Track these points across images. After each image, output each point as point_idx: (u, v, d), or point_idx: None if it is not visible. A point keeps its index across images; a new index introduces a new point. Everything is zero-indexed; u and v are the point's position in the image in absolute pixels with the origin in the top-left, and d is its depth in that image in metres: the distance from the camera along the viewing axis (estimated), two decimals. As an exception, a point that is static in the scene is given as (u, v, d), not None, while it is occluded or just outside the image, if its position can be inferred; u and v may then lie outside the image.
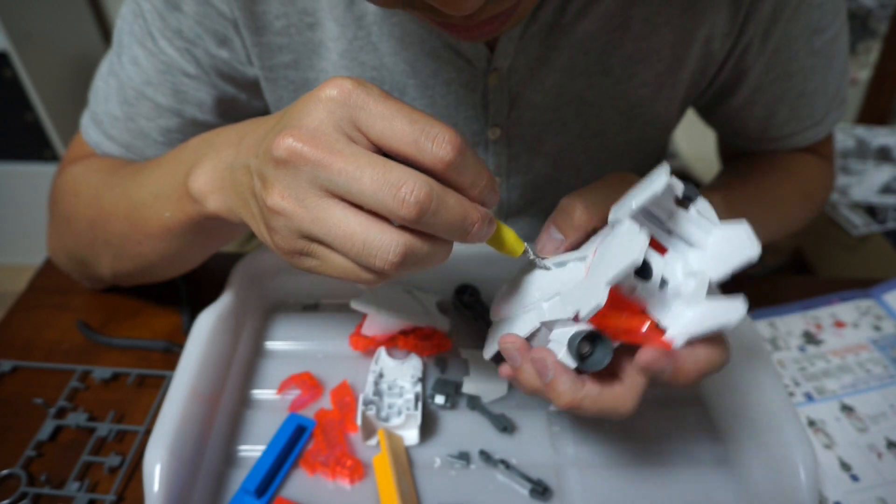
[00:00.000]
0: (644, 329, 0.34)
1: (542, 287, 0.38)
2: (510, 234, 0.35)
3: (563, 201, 0.40)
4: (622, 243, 0.33)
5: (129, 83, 0.53)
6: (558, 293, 0.36)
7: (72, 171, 0.56)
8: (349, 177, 0.29)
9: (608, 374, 0.36)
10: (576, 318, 0.35)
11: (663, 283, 0.34)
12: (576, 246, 0.39)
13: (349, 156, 0.29)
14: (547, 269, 0.38)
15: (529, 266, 0.40)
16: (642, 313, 0.35)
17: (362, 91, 0.30)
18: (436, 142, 0.29)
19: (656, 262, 0.34)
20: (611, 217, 0.36)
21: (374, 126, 0.30)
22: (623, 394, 0.35)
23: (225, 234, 0.49)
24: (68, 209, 0.54)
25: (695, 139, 1.25)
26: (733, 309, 0.32)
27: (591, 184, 0.40)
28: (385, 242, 0.29)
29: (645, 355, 0.33)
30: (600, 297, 0.32)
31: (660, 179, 0.32)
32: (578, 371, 0.35)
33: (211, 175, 0.39)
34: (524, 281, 0.39)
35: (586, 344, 0.34)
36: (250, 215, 0.36)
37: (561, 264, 0.38)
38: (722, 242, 0.35)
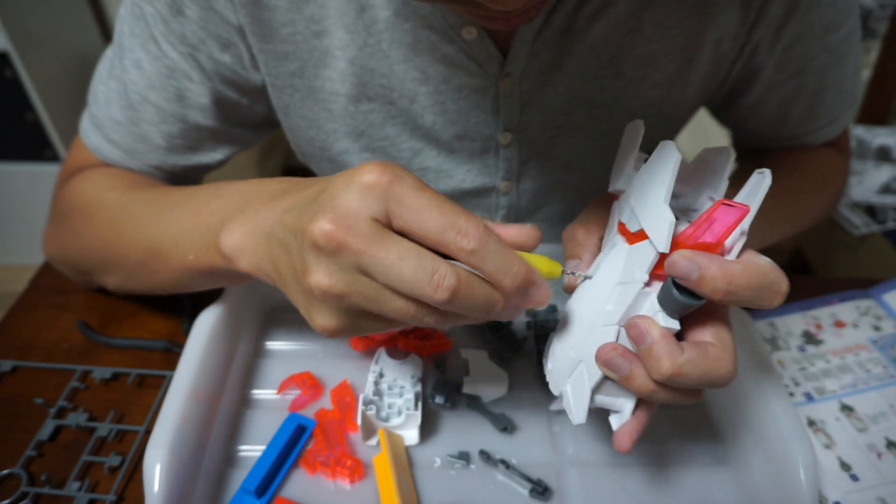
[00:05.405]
0: (716, 238, 0.34)
1: (597, 297, 0.37)
2: (544, 263, 0.35)
3: (563, 235, 0.41)
4: (654, 163, 0.34)
5: (133, 87, 0.52)
6: (617, 283, 0.36)
7: (81, 186, 0.55)
8: (389, 266, 0.31)
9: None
10: (648, 284, 0.35)
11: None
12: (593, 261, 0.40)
13: (390, 245, 0.31)
14: (589, 277, 0.38)
15: (568, 306, 0.39)
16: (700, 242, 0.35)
17: (399, 184, 0.31)
18: (460, 234, 0.31)
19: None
20: (611, 187, 0.39)
21: (404, 217, 0.31)
22: (719, 354, 0.34)
23: (249, 279, 0.49)
24: (79, 227, 0.54)
25: (695, 140, 1.25)
26: (763, 177, 0.34)
27: (581, 211, 0.42)
28: (436, 318, 0.33)
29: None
30: (667, 216, 0.33)
31: (673, 153, 0.34)
32: (678, 336, 0.35)
33: (246, 238, 0.39)
34: (573, 313, 0.38)
35: (678, 286, 0.34)
36: (289, 291, 0.36)
37: (598, 266, 0.38)
38: (699, 173, 0.38)
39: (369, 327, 0.35)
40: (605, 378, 0.37)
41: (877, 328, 0.59)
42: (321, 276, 0.32)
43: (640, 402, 0.39)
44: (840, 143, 0.66)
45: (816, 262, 1.23)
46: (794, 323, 0.60)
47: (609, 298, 0.36)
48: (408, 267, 0.30)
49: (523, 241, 0.34)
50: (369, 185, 0.31)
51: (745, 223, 0.34)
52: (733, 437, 0.48)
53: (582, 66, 0.52)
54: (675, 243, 0.34)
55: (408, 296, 0.31)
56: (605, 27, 0.50)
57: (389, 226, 0.32)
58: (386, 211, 0.31)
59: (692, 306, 0.34)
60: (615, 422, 0.39)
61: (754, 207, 0.34)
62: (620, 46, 0.51)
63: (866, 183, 1.23)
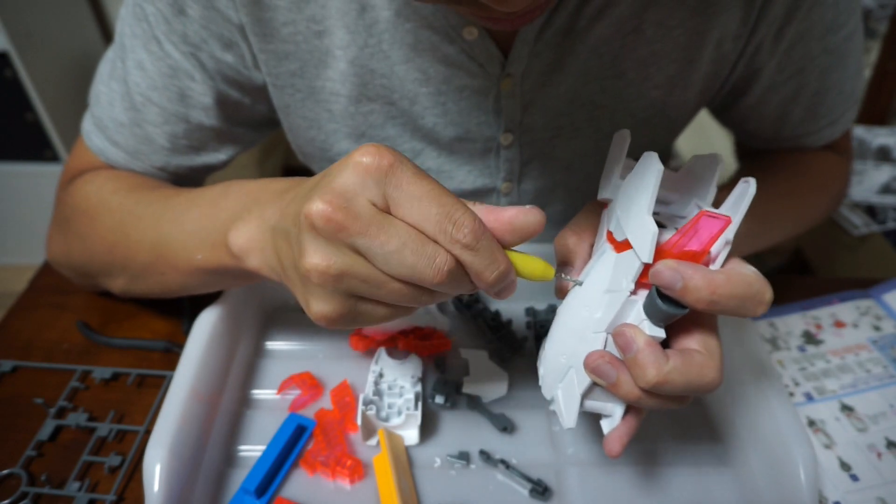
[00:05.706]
0: (700, 247, 0.34)
1: (587, 304, 0.37)
2: (538, 264, 0.35)
3: (555, 241, 0.41)
4: (638, 174, 0.35)
5: (136, 88, 0.52)
6: (605, 291, 0.36)
7: (84, 189, 0.55)
8: (391, 252, 0.31)
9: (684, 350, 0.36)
10: (634, 292, 0.35)
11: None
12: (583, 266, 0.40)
13: (391, 231, 0.31)
14: (580, 283, 0.38)
15: (559, 312, 0.39)
16: (686, 251, 0.35)
17: (399, 169, 0.31)
18: (456, 227, 0.31)
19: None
20: (599, 196, 0.39)
21: (402, 204, 0.31)
22: (705, 361, 0.35)
23: (256, 279, 0.49)
24: (83, 230, 0.53)
25: (695, 140, 1.25)
26: (748, 186, 0.34)
27: (573, 217, 0.42)
28: (430, 297, 0.34)
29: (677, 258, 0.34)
30: (650, 227, 0.33)
31: (655, 163, 0.34)
32: (664, 344, 0.35)
33: (254, 234, 0.39)
34: (563, 318, 0.38)
35: (662, 295, 0.34)
36: (290, 282, 0.36)
37: (588, 273, 0.38)
38: (687, 181, 0.38)
39: (367, 312, 0.35)
40: (595, 384, 0.37)
41: (877, 328, 0.59)
42: (317, 258, 0.32)
43: (631, 408, 0.39)
44: (842, 146, 0.66)
45: (816, 262, 1.23)
46: (794, 323, 0.60)
47: (597, 306, 0.36)
48: (410, 253, 0.31)
49: (524, 224, 0.33)
50: (367, 167, 0.31)
51: (730, 232, 0.34)
52: (733, 437, 0.48)
53: (583, 66, 0.52)
54: (661, 251, 0.34)
55: (406, 280, 0.32)
56: (606, 27, 0.50)
57: (387, 210, 0.32)
58: (383, 195, 0.31)
59: (676, 315, 0.34)
60: (606, 426, 0.39)
61: (739, 216, 0.34)
62: (622, 47, 0.51)
63: (866, 183, 1.23)
